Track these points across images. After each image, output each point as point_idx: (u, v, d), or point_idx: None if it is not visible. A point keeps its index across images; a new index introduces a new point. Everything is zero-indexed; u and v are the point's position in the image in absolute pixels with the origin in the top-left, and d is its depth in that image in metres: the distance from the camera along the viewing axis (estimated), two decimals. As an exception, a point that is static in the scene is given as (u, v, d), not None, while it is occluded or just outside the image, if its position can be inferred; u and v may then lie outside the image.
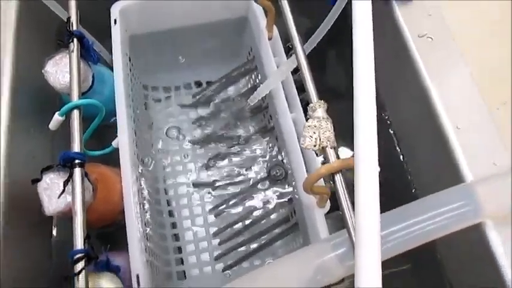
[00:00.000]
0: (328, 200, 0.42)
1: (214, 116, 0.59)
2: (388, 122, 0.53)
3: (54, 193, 0.37)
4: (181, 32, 0.57)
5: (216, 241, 0.53)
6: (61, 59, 0.44)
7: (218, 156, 0.57)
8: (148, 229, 0.46)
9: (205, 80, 0.62)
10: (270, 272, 0.35)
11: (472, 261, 0.41)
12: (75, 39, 0.42)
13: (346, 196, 0.34)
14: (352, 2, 0.36)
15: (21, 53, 0.47)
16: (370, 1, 0.34)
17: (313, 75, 0.38)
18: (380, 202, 0.49)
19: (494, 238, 0.37)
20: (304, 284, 0.33)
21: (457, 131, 0.41)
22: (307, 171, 0.44)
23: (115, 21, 0.50)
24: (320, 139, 0.36)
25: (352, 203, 0.30)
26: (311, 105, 0.37)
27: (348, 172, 0.33)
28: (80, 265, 0.33)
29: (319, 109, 0.37)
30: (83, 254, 0.33)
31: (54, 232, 0.48)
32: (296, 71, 0.42)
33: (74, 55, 0.41)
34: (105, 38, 0.50)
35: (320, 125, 0.36)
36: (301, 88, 0.41)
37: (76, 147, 0.37)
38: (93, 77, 0.47)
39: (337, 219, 0.39)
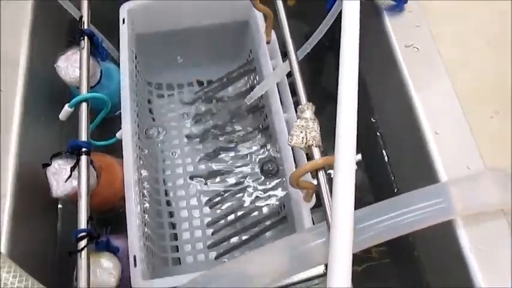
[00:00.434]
0: (315, 196, 0.45)
1: (214, 113, 0.63)
2: (376, 125, 0.56)
3: (62, 177, 0.40)
4: (185, 33, 0.60)
5: (209, 231, 0.56)
6: (72, 55, 0.47)
7: (215, 151, 0.60)
8: (146, 216, 0.49)
9: (207, 79, 0.65)
10: (255, 257, 0.38)
11: (444, 257, 0.44)
12: (86, 37, 0.45)
13: (328, 191, 0.37)
14: (343, 3, 0.39)
15: (36, 49, 0.50)
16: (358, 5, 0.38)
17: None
18: (365, 199, 0.53)
19: (463, 235, 0.40)
20: (286, 267, 0.36)
21: (436, 136, 0.44)
22: (296, 167, 0.47)
23: (123, 20, 0.53)
24: (307, 138, 0.39)
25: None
26: (300, 106, 0.40)
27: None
28: (82, 243, 0.36)
29: (307, 110, 0.40)
30: (85, 233, 0.36)
31: (59, 214, 0.52)
32: (290, 74, 0.45)
33: (84, 52, 0.44)
34: (114, 36, 0.53)
35: (307, 125, 0.39)
36: (295, 90, 0.44)
37: (83, 136, 0.40)
38: (101, 72, 0.50)
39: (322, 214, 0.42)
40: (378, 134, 0.56)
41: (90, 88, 0.44)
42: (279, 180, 0.57)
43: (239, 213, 0.56)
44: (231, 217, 0.56)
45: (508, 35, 0.49)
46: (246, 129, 0.61)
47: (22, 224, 0.43)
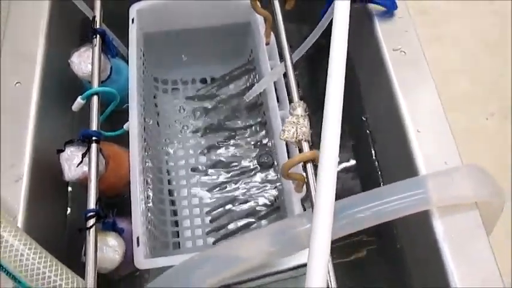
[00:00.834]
0: (305, 187, 0.48)
1: (215, 109, 0.66)
2: (366, 123, 0.60)
3: (73, 163, 0.44)
4: (191, 33, 0.64)
5: (208, 218, 0.60)
6: (85, 51, 0.51)
7: (216, 145, 0.64)
8: (150, 202, 0.53)
9: (210, 76, 0.68)
10: (244, 240, 0.42)
11: (422, 248, 0.48)
12: (97, 36, 0.48)
13: (314, 182, 0.40)
14: (334, 7, 0.43)
15: (52, 46, 0.54)
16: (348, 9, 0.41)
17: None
18: (352, 191, 0.57)
19: (438, 225, 0.43)
20: (273, 249, 0.40)
21: (418, 134, 0.48)
22: (289, 160, 0.51)
23: (132, 20, 0.57)
24: (297, 133, 0.42)
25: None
26: (292, 104, 0.44)
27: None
28: (91, 221, 0.39)
29: (298, 108, 0.43)
30: (94, 213, 0.40)
31: (69, 197, 0.56)
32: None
33: (96, 49, 0.48)
34: (123, 34, 0.56)
35: (298, 121, 0.43)
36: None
37: (94, 126, 0.44)
38: (111, 68, 0.53)
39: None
40: (367, 132, 0.59)
41: (101, 82, 0.47)
42: (274, 172, 0.60)
43: (236, 203, 0.60)
44: (229, 206, 0.60)
45: (507, 38, 0.52)
46: (245, 125, 0.65)
47: (36, 203, 0.47)
